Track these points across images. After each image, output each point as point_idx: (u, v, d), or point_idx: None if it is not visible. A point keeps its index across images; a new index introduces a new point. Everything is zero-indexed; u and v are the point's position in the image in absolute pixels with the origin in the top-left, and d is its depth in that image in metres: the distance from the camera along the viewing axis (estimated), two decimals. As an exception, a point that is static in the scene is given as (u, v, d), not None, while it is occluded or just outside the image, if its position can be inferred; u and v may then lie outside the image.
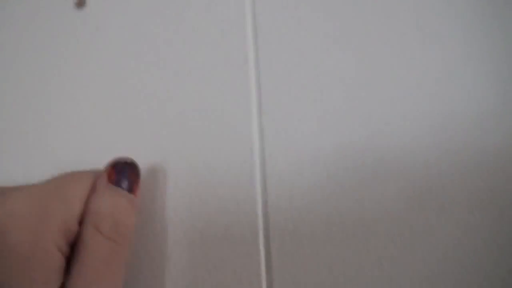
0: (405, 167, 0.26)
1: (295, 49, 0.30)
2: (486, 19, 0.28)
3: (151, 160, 0.29)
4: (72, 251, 0.24)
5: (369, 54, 0.29)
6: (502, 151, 0.26)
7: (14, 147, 0.32)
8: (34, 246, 0.22)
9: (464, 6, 0.29)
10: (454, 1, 0.29)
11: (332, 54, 0.29)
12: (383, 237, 0.25)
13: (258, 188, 0.27)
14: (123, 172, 0.25)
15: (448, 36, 0.28)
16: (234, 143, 0.29)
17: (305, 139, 0.28)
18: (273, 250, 0.26)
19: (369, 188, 0.26)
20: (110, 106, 0.31)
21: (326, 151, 0.27)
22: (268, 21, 0.31)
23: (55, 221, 0.23)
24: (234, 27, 0.31)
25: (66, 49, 0.34)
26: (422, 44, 0.28)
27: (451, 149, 0.26)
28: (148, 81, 0.31)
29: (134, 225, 0.25)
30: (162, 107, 0.30)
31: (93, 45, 0.33)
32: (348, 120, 0.28)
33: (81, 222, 0.24)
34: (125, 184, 0.25)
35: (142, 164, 0.27)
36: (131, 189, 0.25)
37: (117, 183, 0.25)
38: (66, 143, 0.31)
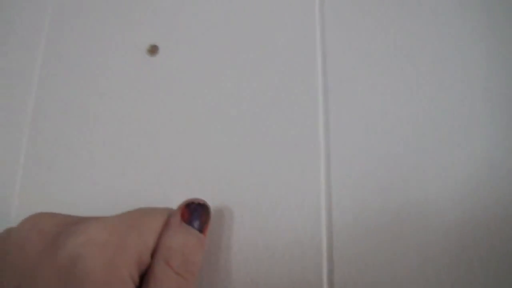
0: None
1: (364, 99, 0.31)
2: None
3: (219, 200, 0.31)
4: (142, 281, 0.25)
5: (439, 85, 0.29)
6: None
7: (94, 182, 0.35)
8: (110, 274, 0.24)
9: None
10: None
11: (402, 91, 0.30)
12: None
13: (324, 233, 0.28)
14: (196, 213, 0.27)
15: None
16: (301, 186, 0.30)
17: (373, 183, 0.29)
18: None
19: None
20: (180, 146, 0.34)
21: (393, 196, 0.28)
22: (337, 66, 0.32)
23: (131, 252, 0.25)
24: (302, 75, 0.32)
25: (138, 92, 0.36)
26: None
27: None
28: (217, 123, 0.33)
29: (201, 263, 0.27)
30: (229, 149, 0.32)
31: (163, 89, 0.36)
32: (417, 165, 0.28)
33: (153, 255, 0.26)
34: (196, 223, 0.27)
35: (210, 203, 0.29)
36: (201, 229, 0.27)
37: (189, 222, 0.27)
38: (142, 182, 0.34)
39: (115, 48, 0.39)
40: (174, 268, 0.25)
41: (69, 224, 0.26)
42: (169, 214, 0.28)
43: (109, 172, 0.35)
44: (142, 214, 0.27)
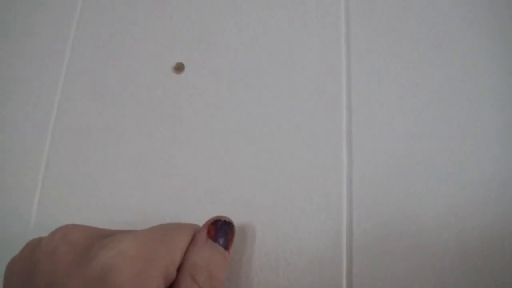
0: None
1: (388, 122, 0.32)
2: None
3: (241, 218, 0.32)
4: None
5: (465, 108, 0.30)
6: None
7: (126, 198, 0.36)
8: (139, 286, 0.25)
9: None
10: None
11: (426, 113, 0.31)
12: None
13: (344, 254, 0.29)
14: (222, 230, 0.28)
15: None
16: (322, 208, 0.30)
17: (394, 207, 0.29)
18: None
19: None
20: (203, 164, 0.35)
21: (413, 219, 0.29)
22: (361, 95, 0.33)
23: (160, 266, 0.25)
24: (326, 99, 0.33)
25: (162, 110, 0.37)
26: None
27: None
28: (242, 142, 0.34)
29: (225, 280, 0.27)
30: (254, 168, 0.33)
31: (187, 107, 0.37)
32: (436, 189, 0.29)
33: (179, 269, 0.27)
34: (222, 241, 0.28)
35: (233, 219, 0.30)
36: (226, 247, 0.28)
37: (215, 239, 0.28)
38: (163, 199, 0.35)
39: (140, 65, 0.40)
40: (200, 283, 0.26)
41: (100, 237, 0.27)
42: (195, 230, 0.28)
43: (129, 189, 0.36)
44: (170, 229, 0.28)
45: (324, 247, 0.29)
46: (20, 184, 0.39)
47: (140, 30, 0.41)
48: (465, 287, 0.27)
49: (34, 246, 0.27)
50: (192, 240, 0.28)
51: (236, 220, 0.31)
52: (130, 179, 0.36)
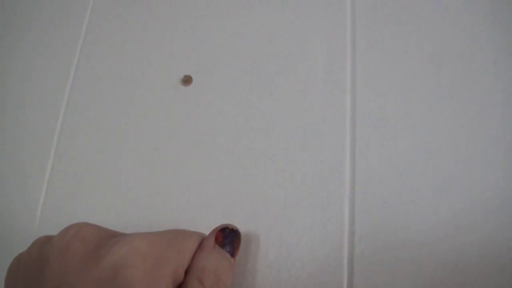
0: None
1: (393, 138, 0.33)
2: None
3: (246, 227, 0.33)
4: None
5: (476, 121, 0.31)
6: None
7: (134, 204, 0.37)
8: (151, 284, 0.25)
9: None
10: None
11: (434, 130, 0.32)
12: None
13: (345, 266, 0.30)
14: (229, 237, 0.29)
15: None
16: (325, 220, 0.32)
17: (396, 219, 0.30)
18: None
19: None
20: (210, 174, 0.36)
21: (415, 232, 0.30)
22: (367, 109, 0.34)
23: (169, 267, 0.26)
24: (332, 113, 0.34)
25: (170, 120, 0.39)
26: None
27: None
28: (248, 153, 0.35)
29: (230, 286, 0.28)
30: (259, 179, 0.34)
31: (195, 118, 0.38)
32: (436, 202, 0.30)
33: (186, 273, 0.27)
34: (229, 248, 0.29)
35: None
36: (232, 254, 0.29)
37: (222, 246, 0.29)
38: (170, 207, 0.36)
39: (149, 76, 0.41)
40: (206, 286, 0.27)
41: (112, 236, 0.28)
42: (202, 237, 0.30)
43: (136, 193, 0.37)
44: (178, 234, 0.29)
45: (326, 258, 0.31)
46: (26, 182, 0.40)
47: (149, 41, 0.42)
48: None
49: (43, 243, 0.28)
50: (200, 246, 0.29)
51: (241, 229, 0.32)
52: (137, 184, 0.37)
